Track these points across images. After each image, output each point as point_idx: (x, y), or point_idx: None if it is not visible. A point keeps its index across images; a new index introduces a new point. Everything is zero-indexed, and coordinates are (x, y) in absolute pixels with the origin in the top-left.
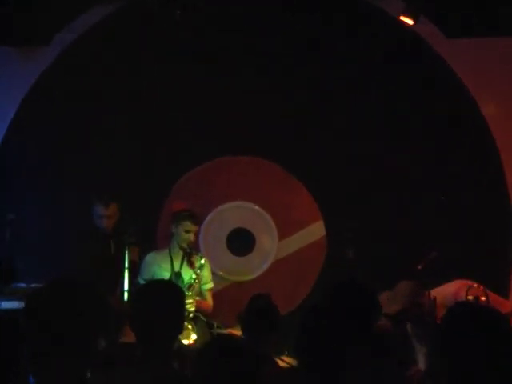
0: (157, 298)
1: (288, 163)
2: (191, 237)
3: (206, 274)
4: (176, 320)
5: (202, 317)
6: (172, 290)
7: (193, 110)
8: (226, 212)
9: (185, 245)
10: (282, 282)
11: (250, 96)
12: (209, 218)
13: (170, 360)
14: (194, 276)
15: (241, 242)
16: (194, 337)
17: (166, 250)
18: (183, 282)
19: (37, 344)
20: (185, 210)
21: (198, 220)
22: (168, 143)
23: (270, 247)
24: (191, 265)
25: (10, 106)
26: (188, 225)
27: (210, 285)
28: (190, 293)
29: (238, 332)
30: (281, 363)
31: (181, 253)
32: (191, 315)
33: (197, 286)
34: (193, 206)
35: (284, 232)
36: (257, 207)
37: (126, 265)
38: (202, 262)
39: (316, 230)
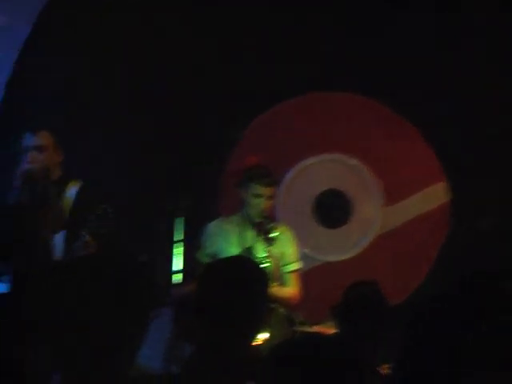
0: (233, 280)
1: (398, 102)
2: (262, 203)
3: (290, 250)
4: (259, 311)
5: (281, 309)
6: (254, 271)
7: (269, 31)
8: (312, 168)
9: (255, 214)
10: (387, 263)
11: (344, 13)
12: (289, 176)
13: (249, 364)
14: (265, 253)
15: (333, 208)
16: (265, 335)
17: (235, 218)
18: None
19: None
20: (255, 166)
21: (271, 180)
22: (234, 74)
23: (372, 216)
24: (268, 239)
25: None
26: (256, 187)
27: (296, 265)
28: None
29: (329, 330)
30: (385, 370)
31: (256, 224)
32: None
33: (273, 267)
34: (268, 160)
35: (392, 196)
36: (355, 162)
37: (181, 237)
38: (277, 233)
39: (436, 194)
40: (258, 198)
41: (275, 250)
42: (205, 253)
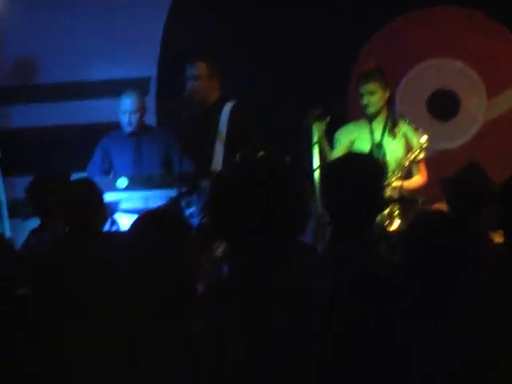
0: (350, 171)
1: (491, 8)
2: (365, 99)
3: (415, 141)
4: (374, 198)
5: (405, 192)
6: (370, 163)
7: None
8: (424, 72)
9: (367, 111)
10: (493, 147)
11: None
12: (405, 80)
13: (369, 241)
14: (392, 146)
15: (443, 104)
16: (397, 223)
17: (363, 120)
18: (385, 154)
19: None
20: (364, 70)
21: (368, 78)
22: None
23: (477, 108)
24: (394, 134)
25: None
26: (360, 88)
27: (421, 154)
28: (397, 173)
29: (445, 207)
30: (497, 238)
31: (381, 121)
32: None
33: (401, 157)
34: (387, 66)
35: (493, 90)
36: (459, 64)
37: (316, 139)
38: (401, 127)
39: None
40: (361, 97)
41: (402, 142)
42: (339, 146)
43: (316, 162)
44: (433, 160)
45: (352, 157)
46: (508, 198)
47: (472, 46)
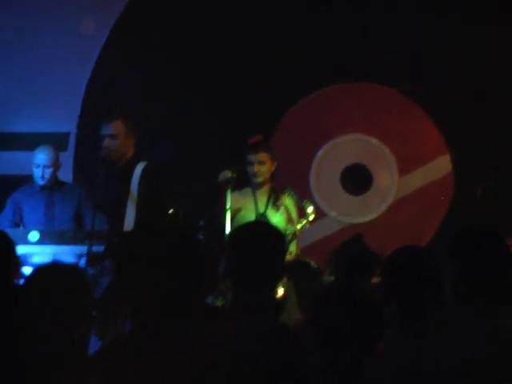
0: (256, 240)
1: (407, 87)
2: (255, 168)
3: (294, 215)
4: (276, 267)
5: (312, 263)
6: (273, 232)
7: (305, 33)
8: (340, 146)
9: (255, 180)
10: (402, 224)
11: (365, 17)
12: (321, 152)
13: (268, 310)
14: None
15: (356, 179)
16: (281, 291)
17: (249, 189)
18: None
19: None
20: (252, 142)
21: (257, 148)
22: (276, 70)
23: (388, 185)
24: (277, 207)
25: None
26: (247, 157)
27: (298, 227)
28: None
29: None
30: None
31: (265, 192)
32: None
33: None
34: (303, 139)
35: (405, 168)
36: (374, 140)
37: (228, 206)
38: (283, 200)
39: (441, 166)
40: (250, 166)
41: (284, 215)
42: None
43: (228, 227)
44: (344, 233)
45: (255, 225)
46: (388, 274)
47: (387, 123)
